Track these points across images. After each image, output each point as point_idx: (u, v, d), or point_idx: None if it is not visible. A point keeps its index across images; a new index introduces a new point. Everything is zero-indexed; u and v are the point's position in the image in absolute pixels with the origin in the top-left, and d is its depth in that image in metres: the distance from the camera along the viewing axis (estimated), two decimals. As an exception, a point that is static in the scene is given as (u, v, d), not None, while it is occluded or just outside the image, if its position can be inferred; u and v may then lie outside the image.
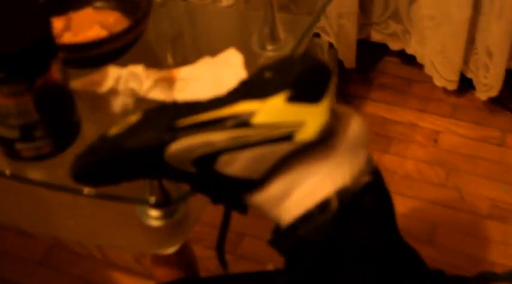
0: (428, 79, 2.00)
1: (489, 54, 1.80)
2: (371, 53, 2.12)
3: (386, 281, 0.82)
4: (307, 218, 0.78)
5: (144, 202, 0.92)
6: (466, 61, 1.91)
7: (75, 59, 1.01)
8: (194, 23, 1.33)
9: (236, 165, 0.77)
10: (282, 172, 0.79)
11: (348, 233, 0.79)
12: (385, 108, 2.00)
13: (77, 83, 0.95)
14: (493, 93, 1.86)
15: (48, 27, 0.84)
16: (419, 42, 1.94)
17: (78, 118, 0.93)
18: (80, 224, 1.10)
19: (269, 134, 0.76)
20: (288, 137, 0.77)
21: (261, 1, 1.20)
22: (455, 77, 1.91)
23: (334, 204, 0.78)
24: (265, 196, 0.79)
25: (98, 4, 1.16)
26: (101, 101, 0.95)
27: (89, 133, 0.93)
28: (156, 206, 0.93)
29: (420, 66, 2.02)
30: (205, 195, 0.83)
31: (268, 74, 0.78)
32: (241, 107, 0.77)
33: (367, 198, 0.81)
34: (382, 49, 2.08)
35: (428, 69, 1.96)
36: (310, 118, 0.77)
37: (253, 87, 0.78)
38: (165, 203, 0.91)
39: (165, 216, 1.07)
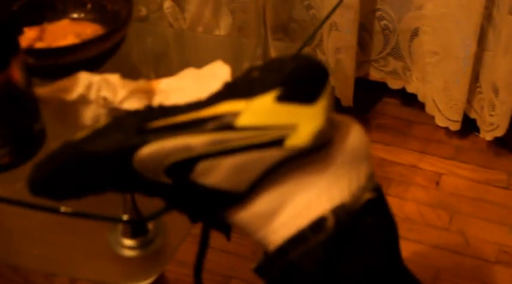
0: (430, 121, 1.92)
1: (495, 90, 1.71)
2: (369, 93, 2.04)
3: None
4: (298, 239, 0.68)
5: (116, 220, 0.81)
6: (469, 100, 1.83)
7: (44, 67, 0.91)
8: (182, 44, 1.25)
9: (216, 174, 0.67)
10: (270, 185, 0.68)
11: (346, 257, 0.69)
12: (384, 149, 1.91)
13: (43, 90, 0.85)
14: (499, 132, 1.77)
15: (7, 17, 0.74)
16: (420, 80, 1.86)
17: (42, 127, 0.83)
18: (45, 254, 0.99)
19: (255, 138, 0.66)
20: (277, 142, 0.66)
21: (253, 31, 1.13)
22: (459, 117, 1.82)
23: (330, 223, 0.67)
24: (250, 214, 0.69)
25: (76, 15, 1.07)
26: (69, 110, 0.84)
27: (54, 144, 0.82)
28: (128, 224, 0.83)
29: (421, 107, 1.94)
30: (182, 212, 0.73)
31: (256, 73, 0.69)
32: (224, 108, 0.67)
33: (368, 218, 0.70)
34: (381, 88, 2.00)
35: (429, 109, 1.88)
36: (304, 121, 0.66)
37: (238, 87, 0.69)
38: (137, 221, 0.80)
39: (140, 246, 0.97)
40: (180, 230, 0.99)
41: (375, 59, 1.92)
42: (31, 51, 0.90)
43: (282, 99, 0.66)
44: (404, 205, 1.74)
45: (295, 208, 0.68)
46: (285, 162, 0.67)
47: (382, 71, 1.94)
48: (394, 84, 1.95)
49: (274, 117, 0.66)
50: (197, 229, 0.78)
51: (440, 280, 1.57)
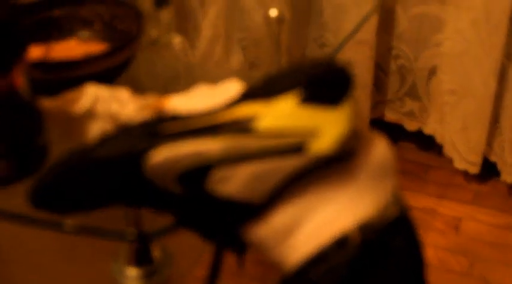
0: (447, 165, 1.87)
1: (516, 130, 1.67)
2: (385, 135, 1.99)
3: None
4: (320, 258, 0.62)
5: (121, 237, 0.75)
6: (489, 142, 1.78)
7: (49, 82, 0.87)
8: (192, 72, 1.22)
9: (232, 183, 0.62)
10: (289, 198, 0.63)
11: (370, 279, 0.63)
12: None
13: (49, 102, 0.80)
14: (521, 174, 1.72)
15: (9, 20, 0.70)
16: (438, 121, 1.82)
17: (46, 141, 0.78)
18: (44, 281, 0.94)
19: (274, 144, 0.61)
20: (298, 149, 0.62)
21: (266, 66, 1.10)
22: (478, 159, 1.77)
23: (355, 241, 0.62)
24: (267, 229, 0.64)
25: (84, 34, 1.04)
26: (75, 124, 0.80)
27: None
28: (134, 241, 0.77)
29: (438, 150, 1.89)
30: (193, 230, 0.67)
31: (276, 75, 0.65)
32: (242, 111, 0.63)
33: (396, 238, 0.65)
34: (397, 130, 1.95)
35: (448, 150, 1.83)
36: (327, 126, 0.62)
37: (256, 90, 0.64)
38: (143, 240, 0.74)
39: (145, 276, 0.92)
40: (188, 261, 0.95)
41: (390, 99, 1.88)
42: (36, 64, 0.86)
43: (304, 101, 0.62)
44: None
45: (316, 223, 0.63)
46: (306, 172, 0.62)
47: (398, 111, 1.89)
48: (410, 126, 1.90)
49: (295, 121, 0.62)
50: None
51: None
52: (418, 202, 1.83)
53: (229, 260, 1.56)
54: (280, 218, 0.64)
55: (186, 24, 1.75)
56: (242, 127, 0.62)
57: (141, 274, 0.92)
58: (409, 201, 1.89)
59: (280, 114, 0.62)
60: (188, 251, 0.95)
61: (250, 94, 0.64)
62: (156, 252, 0.94)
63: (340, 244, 0.62)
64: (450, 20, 1.66)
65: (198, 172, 0.62)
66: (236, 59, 1.80)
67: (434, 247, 1.70)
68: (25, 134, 0.75)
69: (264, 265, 1.43)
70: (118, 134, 0.64)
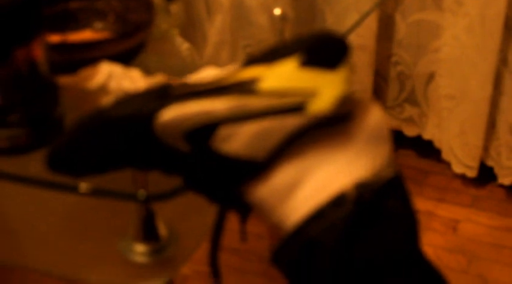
0: (446, 171, 1.91)
1: (512, 133, 1.70)
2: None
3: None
4: (318, 215, 0.65)
5: (132, 198, 0.79)
6: (486, 146, 1.81)
7: (65, 62, 0.92)
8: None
9: (237, 140, 0.65)
10: (289, 157, 0.67)
11: (365, 237, 0.66)
12: (400, 197, 1.88)
13: (65, 79, 0.85)
14: (517, 176, 1.75)
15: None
16: (436, 126, 1.86)
17: (62, 113, 0.82)
18: (54, 258, 0.97)
19: (276, 103, 0.65)
20: (298, 108, 0.65)
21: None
22: (475, 163, 1.81)
23: (351, 199, 0.65)
24: (268, 188, 0.67)
25: (98, 26, 1.08)
26: (88, 98, 0.84)
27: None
28: (146, 202, 0.80)
29: (437, 157, 1.93)
30: (200, 192, 0.71)
31: (278, 44, 0.69)
32: (246, 74, 0.67)
33: (390, 201, 0.68)
34: (396, 137, 1.99)
35: (446, 155, 1.86)
36: (325, 87, 0.66)
37: (260, 56, 0.68)
38: (153, 198, 0.78)
39: (151, 253, 0.94)
40: (193, 239, 0.97)
41: (390, 105, 1.92)
42: (54, 47, 0.91)
43: (303, 65, 0.66)
44: (421, 249, 1.70)
45: (315, 183, 0.66)
46: (306, 131, 0.66)
47: (397, 118, 1.93)
48: (409, 132, 1.94)
49: (296, 82, 0.65)
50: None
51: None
52: (417, 205, 1.84)
53: (233, 258, 1.59)
54: (280, 177, 0.66)
55: (193, 33, 1.79)
56: (246, 88, 0.65)
57: (149, 251, 0.94)
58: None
59: (282, 75, 0.65)
60: (194, 230, 0.98)
61: (253, 61, 0.68)
62: (162, 230, 0.97)
63: (338, 202, 0.65)
64: (447, 26, 1.70)
65: (204, 131, 0.65)
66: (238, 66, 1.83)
67: (432, 246, 1.72)
68: (42, 105, 0.80)
69: (267, 261, 1.45)
70: (129, 97, 0.67)
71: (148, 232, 0.94)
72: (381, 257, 0.66)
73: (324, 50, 0.67)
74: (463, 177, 1.89)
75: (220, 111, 0.65)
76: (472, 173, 1.84)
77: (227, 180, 0.68)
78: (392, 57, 1.84)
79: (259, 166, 0.66)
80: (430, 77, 1.82)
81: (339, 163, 0.67)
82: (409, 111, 1.90)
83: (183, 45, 1.37)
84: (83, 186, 0.76)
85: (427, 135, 1.91)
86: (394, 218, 0.68)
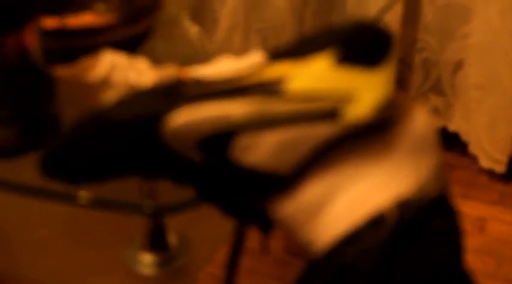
0: (472, 165, 1.85)
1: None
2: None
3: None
4: (353, 239, 0.57)
5: (137, 210, 0.71)
6: (516, 141, 1.74)
7: (63, 50, 0.84)
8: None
9: (258, 151, 0.57)
10: (319, 170, 0.59)
11: (409, 262, 0.58)
12: (423, 193, 1.82)
13: (62, 70, 0.77)
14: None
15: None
16: (463, 117, 1.78)
17: (58, 111, 0.74)
18: (56, 268, 0.91)
19: (305, 109, 0.57)
20: (331, 115, 0.57)
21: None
22: (505, 157, 1.74)
23: (392, 220, 0.57)
24: (294, 204, 0.59)
25: (100, 7, 1.00)
26: (90, 92, 0.76)
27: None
28: (151, 216, 0.73)
29: (462, 150, 1.86)
30: (215, 204, 0.63)
31: (309, 36, 0.60)
32: (270, 72, 0.58)
33: (436, 220, 0.60)
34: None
35: (473, 148, 1.79)
36: (364, 90, 0.57)
37: (286, 50, 0.60)
38: (161, 211, 0.70)
39: (160, 264, 0.88)
40: (206, 248, 0.91)
41: (414, 95, 1.85)
42: (50, 33, 0.83)
43: (339, 62, 0.57)
44: (446, 250, 1.64)
45: (349, 200, 0.59)
46: (339, 141, 0.58)
47: (421, 108, 1.85)
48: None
49: (329, 83, 0.57)
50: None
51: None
52: (441, 201, 1.79)
53: (246, 259, 1.53)
54: (309, 193, 0.59)
55: (203, 16, 1.72)
56: (270, 89, 0.57)
57: (156, 261, 0.89)
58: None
59: (313, 75, 0.57)
60: (207, 238, 0.91)
61: (279, 55, 0.60)
62: (172, 239, 0.90)
63: (375, 223, 0.57)
64: (477, 10, 1.63)
65: (220, 138, 0.57)
66: (255, 50, 1.76)
67: (458, 247, 1.66)
68: (35, 101, 0.71)
69: (283, 265, 1.39)
70: (134, 96, 0.59)
71: (156, 241, 0.88)
72: (422, 277, 0.59)
73: (363, 44, 0.58)
74: (490, 172, 1.82)
75: (239, 116, 0.57)
76: (500, 168, 1.78)
77: (247, 195, 0.60)
78: (418, 43, 1.76)
79: (284, 180, 0.58)
80: (458, 65, 1.74)
81: (376, 178, 0.59)
82: (434, 100, 1.83)
83: (193, 30, 1.29)
84: (83, 195, 0.68)
85: (453, 127, 1.84)
86: (437, 239, 0.61)
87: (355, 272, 0.57)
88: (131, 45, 0.90)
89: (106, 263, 0.91)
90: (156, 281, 0.89)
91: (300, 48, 0.59)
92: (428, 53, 1.76)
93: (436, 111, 1.85)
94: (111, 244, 0.91)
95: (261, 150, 0.57)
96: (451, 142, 1.89)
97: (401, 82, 1.84)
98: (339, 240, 0.58)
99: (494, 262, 1.62)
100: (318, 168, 0.59)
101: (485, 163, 1.79)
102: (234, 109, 0.57)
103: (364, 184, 0.59)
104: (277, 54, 0.60)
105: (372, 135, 0.59)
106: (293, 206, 0.59)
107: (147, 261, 0.88)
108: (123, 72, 0.76)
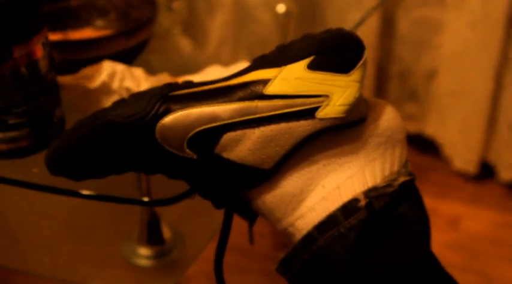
0: (446, 167, 1.87)
1: (513, 129, 1.67)
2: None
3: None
4: (328, 224, 0.61)
5: (136, 202, 0.75)
6: (487, 142, 1.77)
7: (66, 62, 0.88)
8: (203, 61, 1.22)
9: (242, 147, 0.61)
10: (298, 164, 0.63)
11: (381, 244, 0.62)
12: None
13: (66, 78, 0.81)
14: (519, 172, 1.71)
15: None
16: (438, 122, 1.82)
17: (63, 114, 0.78)
18: (57, 262, 0.94)
19: (285, 108, 0.61)
20: (308, 113, 0.61)
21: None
22: (477, 158, 1.77)
23: (363, 207, 0.61)
24: (276, 196, 0.63)
25: (100, 23, 1.04)
26: (90, 98, 0.80)
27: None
28: (149, 205, 0.77)
29: (437, 154, 1.89)
30: (205, 196, 0.67)
31: (289, 43, 0.64)
32: (254, 76, 0.62)
33: (403, 205, 0.64)
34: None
35: (447, 151, 1.83)
36: (338, 91, 0.62)
37: (269, 57, 0.64)
38: (160, 203, 0.74)
39: (156, 256, 0.91)
40: (199, 241, 0.94)
41: (392, 103, 1.88)
42: (54, 45, 0.86)
43: (315, 66, 0.61)
44: (422, 246, 1.67)
45: (325, 190, 0.63)
46: (316, 137, 0.62)
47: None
48: (411, 128, 1.90)
49: (305, 86, 0.61)
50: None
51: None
52: (418, 201, 1.82)
53: (236, 257, 1.55)
54: (289, 185, 0.63)
55: (195, 30, 1.75)
56: (254, 90, 0.61)
57: (153, 254, 0.91)
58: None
59: (292, 78, 0.61)
60: (199, 232, 0.94)
61: (262, 61, 0.64)
62: (167, 233, 0.94)
63: (349, 210, 0.61)
64: (449, 21, 1.67)
65: (208, 136, 0.61)
66: (243, 63, 1.79)
67: (434, 243, 1.68)
68: (43, 106, 0.75)
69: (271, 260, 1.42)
70: (130, 98, 0.63)
71: (152, 236, 0.91)
72: (395, 264, 0.62)
73: (336, 51, 0.63)
74: (463, 174, 1.85)
75: (225, 115, 0.61)
76: (473, 169, 1.80)
77: (233, 187, 0.64)
78: (394, 54, 1.79)
79: (266, 174, 0.62)
80: (432, 74, 1.77)
81: (350, 170, 0.63)
82: (410, 107, 1.86)
83: (186, 43, 1.33)
84: (85, 190, 0.72)
85: (428, 131, 1.87)
86: (407, 225, 0.64)
87: (331, 256, 0.61)
88: (128, 57, 0.94)
89: (106, 256, 0.93)
90: (153, 272, 0.91)
91: (280, 55, 0.63)
92: (403, 63, 1.80)
93: (412, 117, 1.88)
94: (111, 239, 0.94)
95: (245, 147, 0.61)
96: (427, 146, 1.92)
97: (379, 90, 1.87)
98: (317, 227, 0.62)
99: (467, 257, 1.65)
100: (296, 161, 0.63)
101: (458, 164, 1.82)
102: (220, 109, 0.61)
103: (338, 175, 0.63)
104: (260, 61, 0.64)
105: (345, 131, 0.63)
106: (274, 197, 0.63)
107: (144, 254, 0.91)
108: (121, 79, 0.80)
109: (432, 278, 0.65)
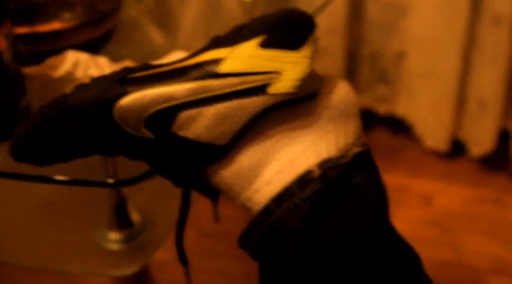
0: (419, 147, 1.89)
1: (482, 106, 1.68)
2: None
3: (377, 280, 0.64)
4: (284, 196, 0.61)
5: (102, 184, 0.75)
6: (457, 120, 1.79)
7: (32, 53, 0.87)
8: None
9: (197, 125, 0.61)
10: (253, 140, 0.63)
11: (334, 215, 0.62)
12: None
13: (31, 68, 0.80)
14: (487, 147, 1.72)
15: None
16: (408, 103, 1.83)
17: (28, 103, 0.78)
18: (30, 250, 0.93)
19: (238, 85, 0.61)
20: (261, 89, 0.61)
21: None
22: (447, 136, 1.78)
23: (316, 178, 0.61)
24: (232, 171, 0.63)
25: (67, 17, 1.04)
26: (55, 87, 0.80)
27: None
28: (114, 187, 0.77)
29: (409, 134, 1.90)
30: (165, 176, 0.67)
31: (241, 24, 0.65)
32: (207, 56, 0.63)
33: (357, 176, 0.64)
34: (369, 117, 1.96)
35: (418, 130, 1.84)
36: (288, 67, 0.62)
37: (223, 38, 0.64)
38: (122, 183, 0.74)
39: (126, 240, 0.92)
40: (168, 224, 0.94)
41: (363, 86, 1.89)
42: (20, 37, 0.86)
43: (267, 44, 0.62)
44: (396, 224, 1.67)
45: (280, 164, 0.63)
46: (269, 112, 0.62)
47: (370, 97, 1.90)
48: (382, 110, 1.91)
49: (257, 63, 0.62)
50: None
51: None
52: (391, 180, 1.82)
53: (206, 240, 1.54)
54: (244, 160, 0.63)
55: (166, 20, 1.75)
56: (207, 70, 0.61)
57: (123, 238, 0.92)
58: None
59: (244, 56, 0.62)
60: (168, 215, 0.95)
61: (217, 42, 0.64)
62: (136, 216, 0.94)
63: (303, 182, 0.61)
64: (415, 5, 1.67)
65: (164, 115, 0.61)
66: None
67: (407, 220, 1.70)
68: (9, 96, 0.75)
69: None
70: (90, 83, 0.63)
71: (121, 220, 0.92)
72: (347, 233, 0.62)
73: (287, 28, 0.63)
74: (435, 152, 1.87)
75: (180, 94, 0.61)
76: (444, 147, 1.82)
77: (190, 165, 0.64)
78: (364, 38, 1.80)
79: (222, 150, 0.63)
80: (401, 55, 1.78)
81: (304, 143, 0.63)
82: (382, 89, 1.87)
83: (156, 33, 1.33)
84: (51, 175, 0.72)
85: (399, 112, 1.88)
86: (362, 195, 0.64)
87: (287, 227, 0.61)
88: (94, 47, 0.94)
89: (78, 242, 0.93)
90: (122, 256, 0.92)
91: (233, 35, 0.63)
92: (373, 46, 1.81)
93: (383, 99, 1.89)
94: (82, 225, 0.94)
95: (200, 124, 0.61)
96: (399, 127, 1.94)
97: (350, 73, 1.88)
98: (273, 199, 0.62)
99: (440, 232, 1.66)
100: (251, 137, 0.63)
101: (430, 143, 1.83)
102: (174, 89, 0.61)
103: (293, 149, 0.63)
104: (215, 41, 0.64)
105: (299, 106, 0.64)
106: (231, 172, 0.63)
107: (114, 238, 0.91)
108: (85, 68, 0.80)
109: (387, 249, 0.64)
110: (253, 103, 0.61)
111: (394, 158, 1.90)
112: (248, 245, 0.64)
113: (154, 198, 0.93)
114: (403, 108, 1.85)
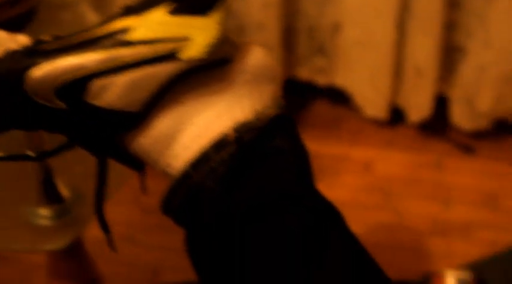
0: (359, 116, 1.90)
1: (419, 73, 1.69)
2: (296, 94, 2.00)
3: (304, 249, 0.64)
4: (201, 161, 0.61)
5: (22, 157, 0.74)
6: (395, 88, 1.81)
7: None
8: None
9: (110, 93, 0.60)
10: (167, 106, 0.62)
11: (250, 178, 0.62)
12: (314, 144, 1.87)
13: None
14: (425, 113, 1.75)
15: None
16: (347, 73, 1.84)
17: None
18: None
19: (149, 52, 0.60)
20: (171, 56, 0.61)
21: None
22: (386, 104, 1.80)
23: (232, 140, 0.61)
24: (149, 138, 0.62)
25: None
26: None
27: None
28: (34, 160, 0.75)
29: (349, 104, 1.91)
30: (82, 146, 0.66)
31: None
32: (117, 25, 0.62)
33: (276, 139, 0.64)
34: (309, 90, 1.97)
35: (358, 100, 1.85)
36: (198, 33, 0.61)
37: (133, 7, 0.63)
38: (42, 156, 0.73)
39: (56, 216, 0.91)
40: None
41: (302, 58, 1.89)
42: None
43: (177, 11, 0.61)
44: (337, 192, 1.69)
45: (196, 129, 0.62)
46: (181, 79, 0.62)
47: (309, 69, 1.90)
48: (321, 81, 1.92)
49: (167, 30, 0.61)
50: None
51: (378, 254, 1.52)
52: (332, 149, 1.84)
53: (134, 211, 1.53)
54: (160, 127, 0.62)
55: (102, 1, 1.73)
56: (117, 39, 0.61)
57: (53, 214, 0.91)
58: (323, 150, 1.90)
59: (154, 24, 0.61)
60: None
61: (127, 11, 0.63)
62: (65, 192, 0.93)
63: (219, 145, 0.61)
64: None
65: (76, 86, 0.60)
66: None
67: (348, 187, 1.72)
68: None
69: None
70: (3, 56, 0.61)
71: (50, 195, 0.91)
72: (263, 196, 0.62)
73: None
74: (376, 120, 1.88)
75: (91, 64, 0.60)
76: (384, 115, 1.83)
77: (105, 133, 0.63)
78: (300, 10, 1.80)
79: (136, 117, 0.62)
80: (337, 27, 1.78)
81: (218, 107, 0.63)
82: (320, 61, 1.87)
83: (88, 15, 1.31)
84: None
85: (338, 82, 1.89)
86: (279, 157, 0.64)
87: (204, 191, 0.61)
88: (16, 25, 0.92)
89: (7, 219, 0.92)
90: (52, 231, 0.91)
91: (144, 4, 0.63)
92: (309, 18, 1.81)
93: (322, 70, 1.90)
94: (11, 202, 0.93)
95: (112, 92, 0.60)
96: (338, 97, 1.95)
97: (288, 46, 1.87)
98: (190, 164, 0.62)
99: (381, 197, 1.68)
100: (165, 103, 0.62)
101: (370, 112, 1.84)
102: (85, 58, 0.60)
103: (207, 114, 0.63)
104: (125, 10, 0.63)
105: (213, 72, 0.63)
106: (147, 139, 0.62)
107: (44, 214, 0.90)
108: (4, 45, 0.78)
109: (306, 209, 0.64)
110: (165, 69, 0.61)
111: (335, 128, 1.92)
112: (170, 211, 0.64)
113: (84, 172, 0.92)
114: (341, 79, 1.86)
